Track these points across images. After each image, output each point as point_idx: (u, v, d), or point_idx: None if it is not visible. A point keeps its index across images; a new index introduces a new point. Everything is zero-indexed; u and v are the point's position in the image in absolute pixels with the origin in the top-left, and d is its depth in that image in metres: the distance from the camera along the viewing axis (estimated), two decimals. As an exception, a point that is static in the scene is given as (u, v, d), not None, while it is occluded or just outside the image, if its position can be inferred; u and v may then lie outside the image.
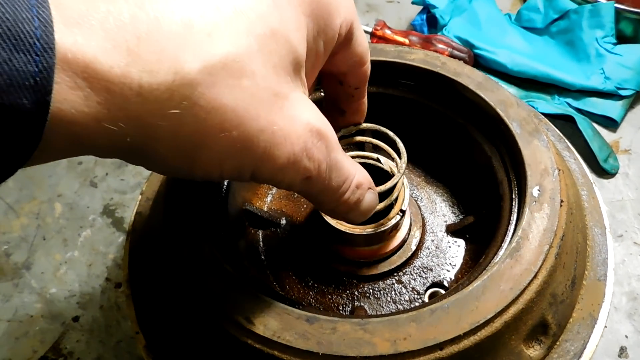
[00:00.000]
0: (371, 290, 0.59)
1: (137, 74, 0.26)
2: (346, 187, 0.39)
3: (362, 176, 0.41)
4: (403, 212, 0.54)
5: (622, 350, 0.62)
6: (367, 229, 0.54)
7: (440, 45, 0.84)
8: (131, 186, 0.79)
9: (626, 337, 0.63)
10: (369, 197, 0.43)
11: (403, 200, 0.54)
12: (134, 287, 0.55)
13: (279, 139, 0.32)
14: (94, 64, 0.24)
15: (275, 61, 0.31)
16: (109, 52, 0.25)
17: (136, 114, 0.26)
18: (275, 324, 0.43)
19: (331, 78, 0.45)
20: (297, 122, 0.33)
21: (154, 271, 0.54)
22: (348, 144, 0.53)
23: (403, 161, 0.50)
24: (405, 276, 0.60)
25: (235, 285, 0.45)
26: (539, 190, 0.51)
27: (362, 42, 0.41)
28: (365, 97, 0.49)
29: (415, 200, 0.65)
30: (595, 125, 0.81)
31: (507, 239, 0.52)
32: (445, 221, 0.64)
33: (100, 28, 0.25)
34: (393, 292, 0.59)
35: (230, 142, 0.30)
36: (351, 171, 0.39)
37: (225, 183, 0.57)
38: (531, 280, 0.46)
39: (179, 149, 0.29)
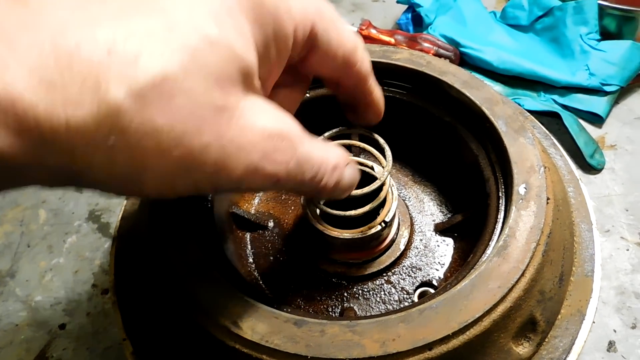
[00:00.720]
0: (360, 291, 0.58)
1: (62, 109, 0.25)
2: (322, 175, 0.38)
3: (336, 156, 0.40)
4: (386, 223, 0.54)
5: (611, 345, 0.63)
6: (352, 234, 0.53)
7: (426, 44, 0.84)
8: (117, 191, 0.78)
9: (614, 331, 0.64)
10: (348, 173, 0.41)
11: (388, 211, 0.54)
12: (121, 293, 0.54)
13: (232, 151, 0.31)
14: (20, 102, 0.24)
15: (217, 73, 0.30)
16: (34, 88, 0.24)
17: (68, 148, 0.26)
18: (264, 327, 0.43)
19: (326, 81, 0.45)
20: (250, 131, 0.32)
21: (140, 277, 0.53)
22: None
23: (387, 169, 0.50)
24: (395, 276, 0.59)
25: (222, 289, 0.45)
26: (525, 187, 0.51)
27: (341, 44, 0.40)
28: (376, 94, 0.47)
29: (404, 200, 0.65)
30: (581, 121, 0.82)
31: (495, 237, 0.51)
32: (434, 220, 0.64)
33: (25, 64, 0.24)
34: (382, 293, 0.58)
35: (174, 162, 0.29)
36: (323, 158, 0.38)
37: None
38: (519, 278, 0.46)
39: (120, 175, 0.29)
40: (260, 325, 0.43)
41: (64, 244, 0.72)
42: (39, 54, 0.25)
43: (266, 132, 0.33)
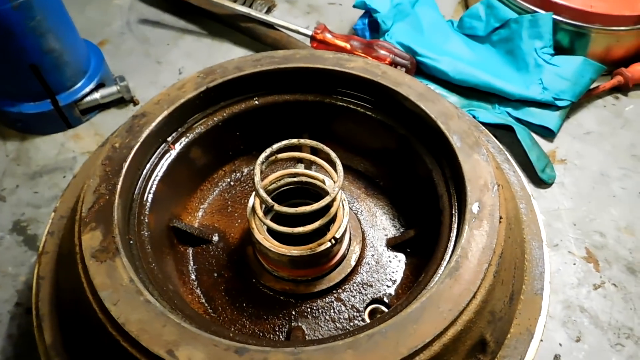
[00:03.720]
0: (309, 309, 0.56)
1: None
2: None
3: None
4: (337, 239, 0.51)
5: (557, 358, 0.63)
6: (300, 251, 0.51)
7: (382, 52, 0.82)
8: (47, 199, 0.72)
9: (560, 345, 0.64)
10: None
11: (339, 227, 0.52)
12: (44, 315, 0.49)
13: None
14: None
15: None
16: None
17: None
18: (202, 356, 0.40)
19: None
20: None
21: (66, 298, 0.48)
22: (287, 159, 0.50)
23: (338, 184, 0.47)
24: (345, 293, 0.57)
25: (155, 313, 0.41)
26: (478, 206, 0.50)
27: None
28: None
29: (355, 214, 0.63)
30: (534, 134, 0.82)
31: (447, 256, 0.50)
32: (386, 235, 0.62)
33: None
34: (332, 311, 0.56)
35: None
36: None
37: (148, 200, 0.53)
38: (470, 300, 0.45)
39: None
40: (198, 354, 0.40)
41: (-17, 257, 0.66)
42: None
43: None
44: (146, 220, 0.52)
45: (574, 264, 0.70)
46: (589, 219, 0.74)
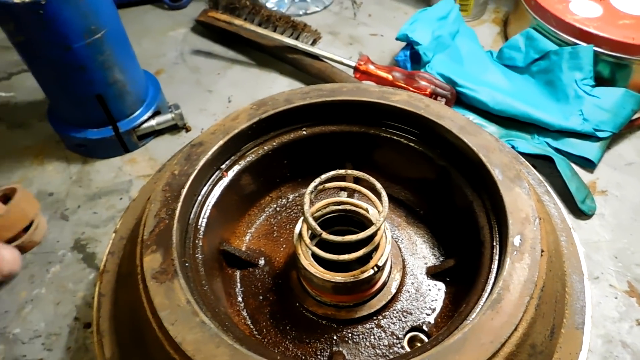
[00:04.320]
0: (350, 335, 0.57)
1: None
2: None
3: None
4: (379, 267, 0.53)
5: (598, 395, 0.62)
6: (344, 277, 0.53)
7: (423, 82, 0.85)
8: (104, 220, 0.76)
9: (602, 381, 0.63)
10: None
11: (381, 255, 0.53)
12: (104, 330, 0.53)
13: None
14: None
15: None
16: None
17: None
18: (250, 376, 0.42)
19: None
20: None
21: (124, 316, 0.52)
22: (333, 188, 0.52)
23: (382, 215, 0.49)
24: (385, 320, 0.59)
25: (209, 335, 0.44)
26: (520, 239, 0.51)
27: None
28: None
29: (396, 242, 0.65)
30: (574, 165, 0.82)
31: (488, 287, 0.51)
32: (426, 263, 0.64)
33: None
34: (372, 337, 0.57)
35: None
36: None
37: (202, 225, 0.56)
38: (512, 333, 0.45)
39: None
40: (247, 374, 0.42)
41: (46, 274, 0.70)
42: None
43: None
44: (200, 244, 0.56)
45: (616, 298, 0.70)
46: (630, 251, 0.74)
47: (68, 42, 0.68)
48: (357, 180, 0.55)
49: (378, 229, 0.51)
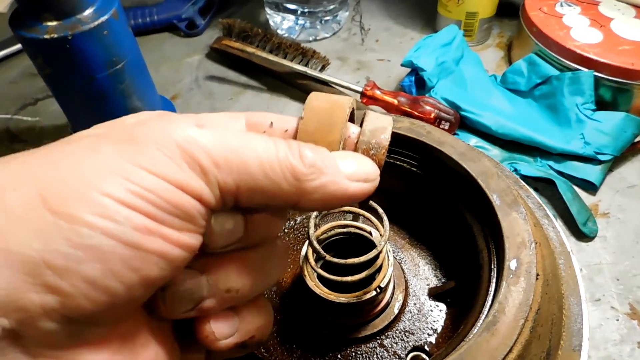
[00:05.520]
0: (354, 354, 0.60)
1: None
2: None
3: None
4: (381, 288, 0.56)
5: (600, 416, 0.63)
6: (347, 298, 0.55)
7: (428, 107, 0.88)
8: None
9: (604, 402, 0.64)
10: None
11: (383, 277, 0.56)
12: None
13: None
14: None
15: None
16: None
17: None
18: (258, 392, 0.45)
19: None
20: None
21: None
22: (338, 211, 0.55)
23: (384, 238, 0.52)
24: (387, 339, 0.61)
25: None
26: (516, 263, 0.53)
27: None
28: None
29: (399, 263, 0.67)
30: (576, 188, 0.84)
31: (485, 310, 0.53)
32: (428, 284, 0.66)
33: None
34: (375, 356, 0.60)
35: None
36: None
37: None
38: (507, 354, 0.47)
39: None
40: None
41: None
42: None
43: None
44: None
45: (617, 320, 0.71)
46: (632, 274, 0.75)
47: (92, 73, 0.73)
48: (361, 204, 0.58)
49: (380, 252, 0.54)
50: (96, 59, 0.72)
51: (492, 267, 0.57)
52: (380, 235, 0.54)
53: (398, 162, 0.68)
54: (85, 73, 0.73)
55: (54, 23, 0.68)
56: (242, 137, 0.28)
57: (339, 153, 0.33)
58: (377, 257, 0.55)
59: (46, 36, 0.67)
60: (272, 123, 0.34)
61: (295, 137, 0.34)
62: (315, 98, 0.35)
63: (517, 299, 0.51)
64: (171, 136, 0.27)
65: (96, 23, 0.69)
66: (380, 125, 0.37)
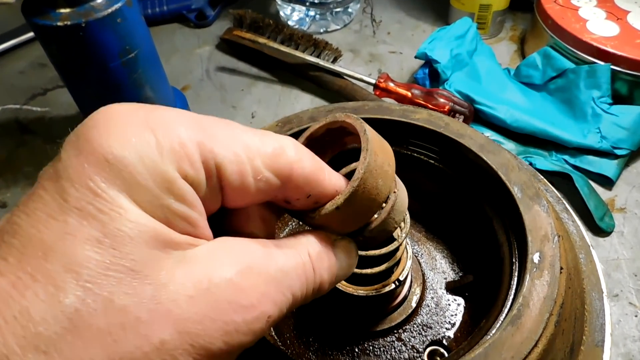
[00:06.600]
0: (371, 347, 0.59)
1: None
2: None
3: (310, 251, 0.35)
4: (400, 281, 0.55)
5: (618, 412, 0.63)
6: (366, 291, 0.55)
7: (442, 100, 0.87)
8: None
9: (622, 399, 0.64)
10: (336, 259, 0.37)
11: (402, 270, 0.55)
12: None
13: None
14: None
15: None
16: None
17: None
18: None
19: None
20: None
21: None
22: None
23: (405, 231, 0.51)
24: (405, 333, 0.60)
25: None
26: (539, 256, 0.52)
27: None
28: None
29: (416, 257, 0.66)
30: (592, 182, 0.83)
31: (508, 303, 0.52)
32: (445, 278, 0.65)
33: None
34: (393, 350, 0.59)
35: None
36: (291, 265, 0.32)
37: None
38: (532, 349, 0.47)
39: None
40: (276, 383, 0.44)
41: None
42: None
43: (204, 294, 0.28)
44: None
45: (636, 316, 0.70)
46: (651, 270, 0.74)
47: (105, 61, 0.72)
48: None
49: (400, 244, 0.53)
50: (110, 48, 0.71)
51: (514, 260, 0.56)
52: (400, 228, 0.54)
53: (415, 154, 0.67)
54: (99, 62, 0.72)
55: (68, 10, 0.67)
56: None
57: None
58: (397, 249, 0.54)
59: (59, 23, 0.66)
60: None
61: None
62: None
63: (541, 292, 0.50)
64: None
65: (110, 10, 0.68)
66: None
